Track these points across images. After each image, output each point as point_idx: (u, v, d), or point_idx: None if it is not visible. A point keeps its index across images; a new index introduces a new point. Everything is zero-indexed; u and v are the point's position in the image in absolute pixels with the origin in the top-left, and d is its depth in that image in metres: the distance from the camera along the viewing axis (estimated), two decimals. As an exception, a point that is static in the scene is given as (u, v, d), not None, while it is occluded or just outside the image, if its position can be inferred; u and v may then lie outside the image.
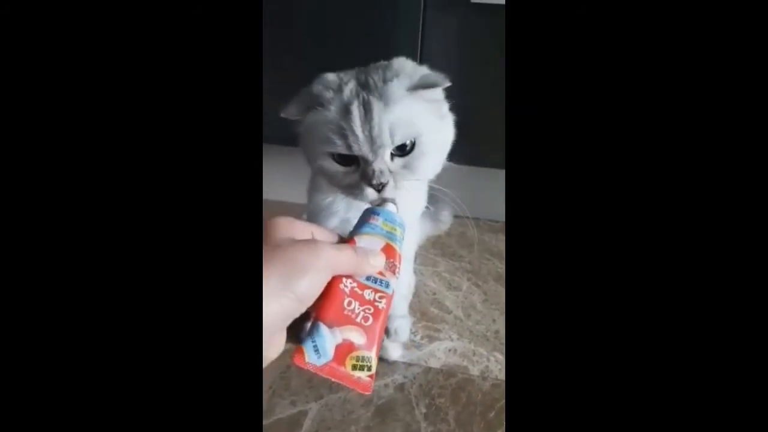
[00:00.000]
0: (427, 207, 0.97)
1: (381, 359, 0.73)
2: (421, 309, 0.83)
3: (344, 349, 0.31)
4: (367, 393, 0.32)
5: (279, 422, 0.65)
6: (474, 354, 0.74)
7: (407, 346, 0.75)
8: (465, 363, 0.73)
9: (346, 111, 0.41)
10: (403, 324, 0.71)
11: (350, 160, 0.44)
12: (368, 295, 0.33)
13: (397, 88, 0.43)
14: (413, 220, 0.60)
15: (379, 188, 0.42)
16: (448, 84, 0.45)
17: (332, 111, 0.42)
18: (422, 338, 0.77)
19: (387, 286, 0.34)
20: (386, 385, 0.70)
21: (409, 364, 0.73)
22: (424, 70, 0.46)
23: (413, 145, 0.44)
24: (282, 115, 0.45)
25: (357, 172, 0.44)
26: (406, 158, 0.44)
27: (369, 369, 0.31)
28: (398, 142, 0.43)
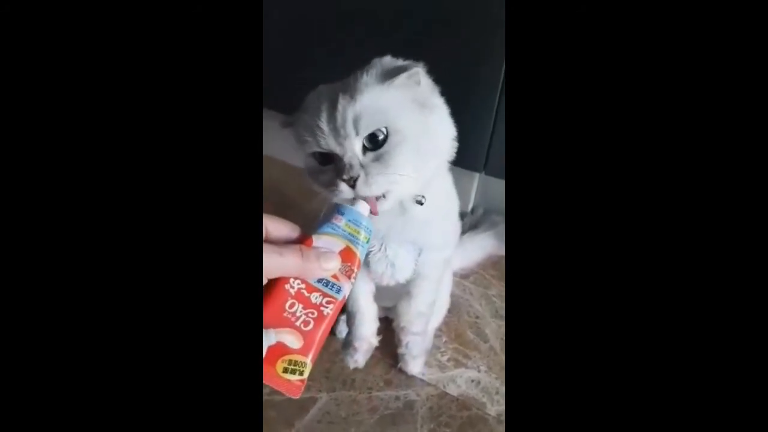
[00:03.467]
0: (495, 225, 0.94)
1: (400, 371, 0.73)
2: (458, 330, 0.80)
3: (276, 351, 0.31)
4: (295, 396, 0.31)
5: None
6: (497, 392, 0.71)
7: (430, 364, 0.74)
8: (484, 399, 0.70)
9: (317, 110, 0.43)
10: (416, 341, 0.69)
11: (329, 158, 0.44)
12: (315, 298, 0.32)
13: (366, 79, 0.42)
14: (443, 228, 0.58)
15: (351, 183, 0.41)
16: (416, 67, 0.43)
17: (308, 113, 0.44)
18: (448, 360, 0.75)
19: (338, 291, 0.33)
20: (397, 398, 0.70)
21: (427, 384, 0.72)
22: (400, 62, 0.45)
23: (386, 136, 0.42)
24: (280, 125, 0.47)
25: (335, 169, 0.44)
26: (379, 150, 0.42)
27: (301, 373, 0.31)
28: (365, 132, 0.42)
